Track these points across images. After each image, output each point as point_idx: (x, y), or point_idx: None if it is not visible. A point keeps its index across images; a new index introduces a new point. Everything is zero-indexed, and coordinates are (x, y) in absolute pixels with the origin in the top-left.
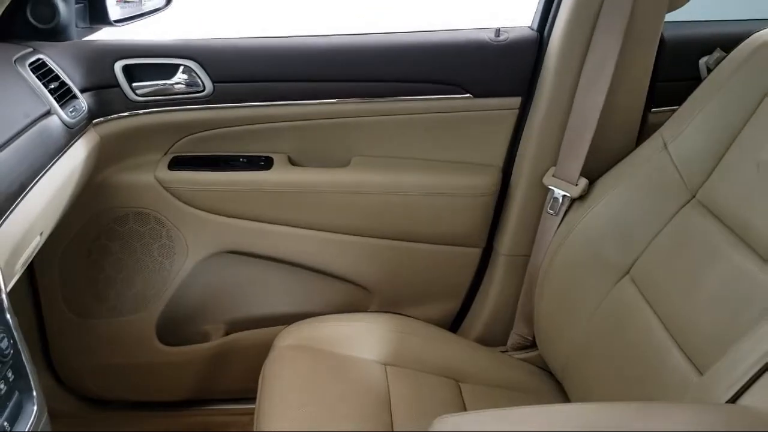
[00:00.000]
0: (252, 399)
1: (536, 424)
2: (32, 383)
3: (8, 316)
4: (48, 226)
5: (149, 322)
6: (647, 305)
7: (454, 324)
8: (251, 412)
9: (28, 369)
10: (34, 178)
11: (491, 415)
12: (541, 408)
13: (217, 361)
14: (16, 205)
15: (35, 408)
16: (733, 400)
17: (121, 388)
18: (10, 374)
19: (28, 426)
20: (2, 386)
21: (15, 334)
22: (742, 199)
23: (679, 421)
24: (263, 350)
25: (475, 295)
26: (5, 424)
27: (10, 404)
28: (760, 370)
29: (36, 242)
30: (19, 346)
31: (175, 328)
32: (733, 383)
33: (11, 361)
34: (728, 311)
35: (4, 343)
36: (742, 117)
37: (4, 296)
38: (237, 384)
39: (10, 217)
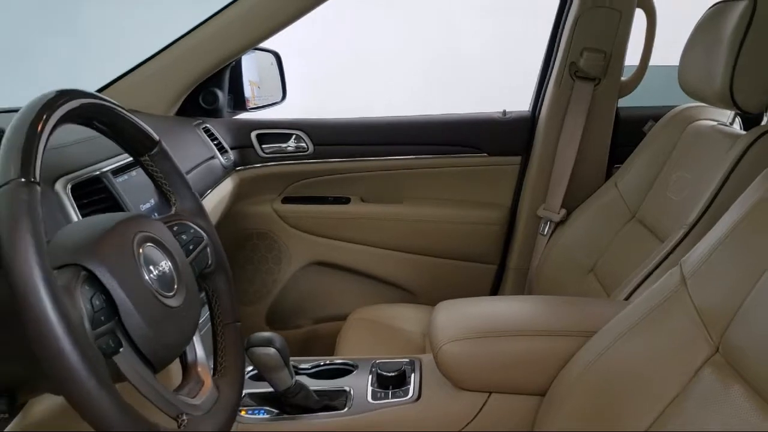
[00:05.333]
0: None
1: (510, 305)
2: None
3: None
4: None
5: (261, 312)
6: (602, 288)
7: None
8: None
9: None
10: (205, 191)
11: (471, 299)
12: (510, 297)
13: (306, 344)
14: None
15: None
16: None
17: None
18: None
19: None
20: None
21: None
22: (659, 212)
23: (588, 303)
24: None
25: None
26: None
27: None
28: (636, 286)
29: None
30: None
31: (278, 317)
32: (624, 294)
33: None
34: (637, 263)
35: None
36: (662, 161)
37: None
38: None
39: None
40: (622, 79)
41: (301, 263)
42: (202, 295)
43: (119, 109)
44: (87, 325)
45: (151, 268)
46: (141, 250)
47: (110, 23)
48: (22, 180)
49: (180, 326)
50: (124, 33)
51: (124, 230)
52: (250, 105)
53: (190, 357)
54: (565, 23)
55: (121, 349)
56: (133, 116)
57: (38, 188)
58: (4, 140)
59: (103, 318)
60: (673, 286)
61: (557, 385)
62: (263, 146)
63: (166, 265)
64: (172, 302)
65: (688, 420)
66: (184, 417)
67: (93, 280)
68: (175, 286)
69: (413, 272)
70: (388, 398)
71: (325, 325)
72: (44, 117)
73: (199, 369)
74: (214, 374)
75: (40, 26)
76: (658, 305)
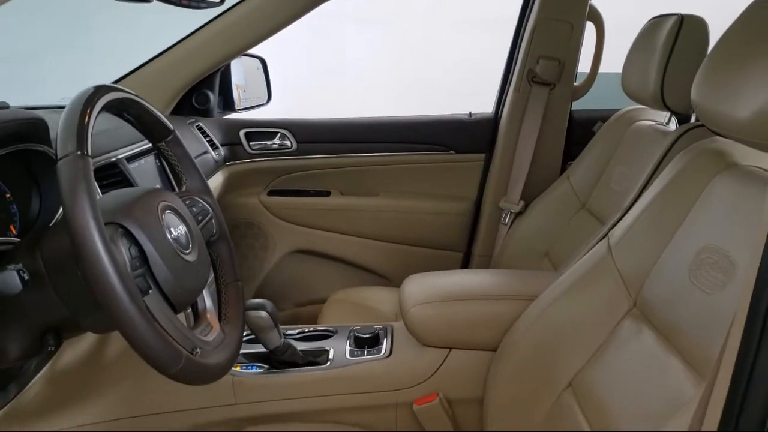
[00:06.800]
0: None
1: (468, 277)
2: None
3: None
4: None
5: (247, 296)
6: (554, 269)
7: None
8: None
9: None
10: None
11: (435, 273)
12: (467, 270)
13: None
14: None
15: None
16: None
17: None
18: None
19: None
20: None
21: None
22: (604, 201)
23: (533, 273)
24: None
25: None
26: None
27: None
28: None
29: None
30: None
31: None
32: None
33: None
34: (582, 241)
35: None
36: (608, 157)
37: None
38: None
39: None
40: (575, 84)
41: (284, 251)
42: None
43: (144, 102)
44: (128, 268)
45: (172, 229)
46: (163, 216)
47: (115, 29)
48: (79, 153)
49: (196, 277)
50: (127, 38)
51: (150, 199)
52: (238, 106)
53: (200, 306)
54: (523, 34)
55: (150, 291)
56: (154, 108)
57: (90, 160)
58: (60, 126)
59: (137, 264)
60: (602, 254)
61: (506, 341)
62: (251, 143)
63: (182, 228)
64: (189, 258)
65: (609, 359)
66: (198, 350)
67: (128, 236)
68: (190, 246)
69: (387, 259)
70: (364, 356)
71: (306, 308)
72: (89, 109)
73: (209, 315)
74: (220, 321)
75: (50, 31)
76: (588, 271)
